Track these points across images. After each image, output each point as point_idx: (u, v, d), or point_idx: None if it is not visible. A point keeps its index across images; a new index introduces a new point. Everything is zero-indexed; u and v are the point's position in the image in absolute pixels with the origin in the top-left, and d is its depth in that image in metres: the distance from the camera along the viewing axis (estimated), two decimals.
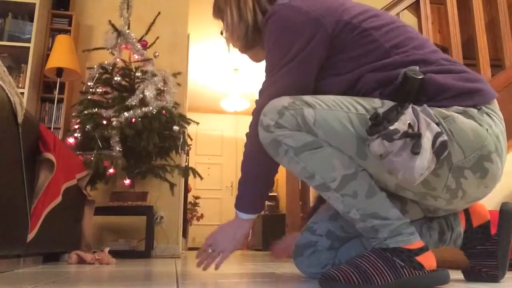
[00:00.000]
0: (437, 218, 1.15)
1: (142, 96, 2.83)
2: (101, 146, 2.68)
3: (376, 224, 0.95)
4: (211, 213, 7.16)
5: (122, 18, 3.08)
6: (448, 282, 0.94)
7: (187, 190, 5.01)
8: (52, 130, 3.24)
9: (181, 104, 3.42)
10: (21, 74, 3.29)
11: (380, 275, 0.92)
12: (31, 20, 3.27)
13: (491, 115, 0.97)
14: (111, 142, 2.70)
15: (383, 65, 0.99)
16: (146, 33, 3.16)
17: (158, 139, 2.81)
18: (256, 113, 1.07)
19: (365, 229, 0.98)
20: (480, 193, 1.00)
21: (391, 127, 0.84)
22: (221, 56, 5.70)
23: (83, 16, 3.66)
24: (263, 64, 1.18)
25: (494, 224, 1.14)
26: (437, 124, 0.87)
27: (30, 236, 1.53)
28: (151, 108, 2.79)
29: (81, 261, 2.06)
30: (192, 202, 6.43)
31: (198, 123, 3.22)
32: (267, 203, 6.09)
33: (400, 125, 0.84)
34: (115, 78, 2.95)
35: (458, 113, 0.94)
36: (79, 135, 2.75)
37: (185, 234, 4.74)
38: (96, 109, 2.81)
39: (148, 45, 3.19)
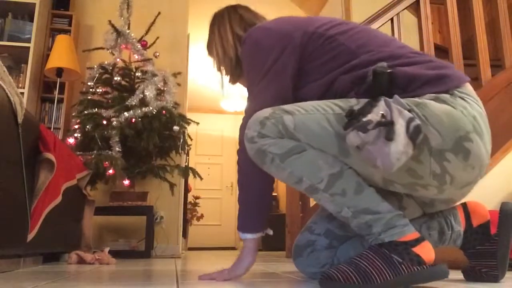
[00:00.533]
0: (437, 217, 1.15)
1: (142, 96, 2.83)
2: (101, 146, 2.68)
3: (369, 220, 0.96)
4: (211, 213, 7.16)
5: (122, 18, 3.08)
6: (446, 276, 0.94)
7: (187, 190, 5.01)
8: (52, 130, 3.24)
9: (181, 104, 3.43)
10: (21, 74, 3.29)
11: (379, 273, 0.92)
12: (31, 20, 3.27)
13: (465, 98, 0.99)
14: (111, 142, 2.70)
15: (353, 66, 1.06)
16: (146, 33, 3.16)
17: (158, 139, 2.82)
18: (242, 130, 1.16)
19: (359, 227, 0.99)
20: (469, 176, 1.00)
21: (365, 119, 0.88)
22: None
23: (83, 16, 3.66)
24: None
25: (494, 224, 1.14)
26: (409, 111, 0.91)
27: (30, 236, 1.53)
28: (151, 108, 2.79)
29: (81, 261, 2.06)
30: (192, 202, 6.43)
31: (198, 123, 3.22)
32: None
33: (373, 116, 0.89)
34: (115, 78, 2.95)
35: (430, 99, 0.97)
36: (79, 135, 2.75)
37: (185, 234, 4.74)
38: (96, 109, 2.81)
39: (148, 45, 3.19)
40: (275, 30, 1.13)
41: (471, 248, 1.15)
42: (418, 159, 0.95)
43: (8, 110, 1.34)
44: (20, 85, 3.21)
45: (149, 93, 2.83)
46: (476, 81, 2.50)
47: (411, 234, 0.95)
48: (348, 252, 1.22)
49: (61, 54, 3.11)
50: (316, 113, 0.99)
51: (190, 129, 3.32)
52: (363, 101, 0.97)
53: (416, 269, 0.92)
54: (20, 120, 1.41)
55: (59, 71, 3.16)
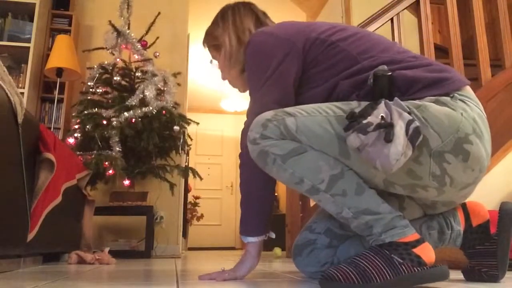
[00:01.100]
0: (436, 217, 1.16)
1: (142, 96, 2.83)
2: (101, 146, 2.68)
3: (369, 220, 0.96)
4: (211, 213, 7.16)
5: (122, 18, 3.08)
6: (447, 278, 0.94)
7: (187, 190, 5.01)
8: (52, 130, 3.24)
9: (181, 104, 3.43)
10: (21, 74, 3.29)
11: (379, 273, 0.92)
12: (31, 20, 3.27)
13: (465, 101, 1.00)
14: (111, 142, 2.70)
15: (354, 71, 1.08)
16: (146, 33, 3.16)
17: (158, 139, 2.82)
18: (244, 133, 1.16)
19: (360, 227, 0.99)
20: (468, 177, 1.00)
21: (365, 121, 0.90)
22: None
23: (83, 16, 3.66)
24: None
25: (493, 224, 1.14)
26: (409, 113, 0.92)
27: (30, 236, 1.53)
28: (151, 108, 2.79)
29: (81, 261, 2.06)
30: (192, 202, 6.43)
31: (198, 123, 3.22)
32: None
33: (373, 118, 0.90)
34: (115, 78, 2.95)
35: (431, 102, 0.98)
36: (79, 135, 2.75)
37: (185, 234, 4.74)
38: (96, 109, 2.81)
39: (148, 45, 3.19)
40: (278, 35, 1.14)
41: (471, 248, 1.15)
42: (418, 160, 0.95)
43: (8, 110, 1.34)
44: (20, 85, 3.21)
45: (149, 93, 2.83)
46: (476, 81, 2.50)
47: (412, 235, 0.95)
48: (348, 251, 1.22)
49: (61, 54, 3.11)
50: (318, 115, 1.00)
51: (190, 129, 3.32)
52: (364, 103, 0.98)
53: (416, 270, 0.92)
54: (20, 120, 1.41)
55: (59, 71, 3.16)
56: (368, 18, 2.61)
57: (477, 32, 2.59)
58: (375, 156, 0.88)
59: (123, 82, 3.07)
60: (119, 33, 3.01)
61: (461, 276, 1.21)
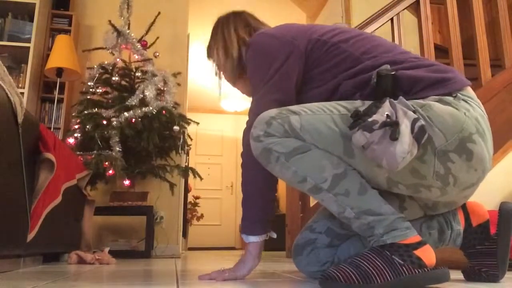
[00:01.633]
0: (436, 217, 1.16)
1: (142, 96, 2.83)
2: (101, 146, 2.68)
3: (371, 221, 0.96)
4: (211, 213, 7.16)
5: (122, 18, 3.08)
6: (448, 280, 0.95)
7: (187, 190, 5.01)
8: (52, 130, 3.24)
9: (181, 104, 3.43)
10: (21, 74, 3.29)
11: (380, 274, 0.92)
12: (31, 20, 3.27)
13: (467, 101, 1.01)
14: (111, 142, 2.70)
15: (357, 71, 1.08)
16: (146, 33, 3.16)
17: (158, 139, 2.81)
18: (246, 133, 1.17)
19: (361, 228, 0.99)
20: (472, 177, 1.01)
21: (370, 119, 0.90)
22: None
23: (83, 16, 3.66)
24: None
25: (493, 223, 1.14)
26: (414, 112, 0.92)
27: (30, 236, 1.53)
28: (151, 108, 2.79)
29: (81, 261, 2.06)
30: (192, 202, 6.43)
31: (198, 123, 3.22)
32: None
33: (378, 116, 0.90)
34: (115, 78, 2.95)
35: (434, 101, 0.99)
36: (79, 135, 2.75)
37: (185, 234, 4.74)
38: (96, 109, 2.81)
39: (148, 45, 3.19)
40: (280, 37, 1.15)
41: (471, 247, 1.15)
42: (423, 159, 0.95)
43: (8, 110, 1.34)
44: (20, 85, 3.21)
45: (149, 93, 2.83)
46: (476, 81, 2.51)
47: (413, 237, 0.95)
48: (348, 251, 1.22)
49: (61, 54, 3.11)
50: (322, 113, 1.00)
51: (190, 129, 3.32)
52: (368, 102, 0.99)
53: (417, 272, 0.92)
54: (20, 120, 1.41)
55: (59, 71, 3.16)
56: (368, 18, 2.61)
57: (477, 32, 2.59)
58: (381, 154, 0.88)
59: (123, 82, 3.07)
60: (119, 33, 3.01)
61: (461, 276, 1.21)
